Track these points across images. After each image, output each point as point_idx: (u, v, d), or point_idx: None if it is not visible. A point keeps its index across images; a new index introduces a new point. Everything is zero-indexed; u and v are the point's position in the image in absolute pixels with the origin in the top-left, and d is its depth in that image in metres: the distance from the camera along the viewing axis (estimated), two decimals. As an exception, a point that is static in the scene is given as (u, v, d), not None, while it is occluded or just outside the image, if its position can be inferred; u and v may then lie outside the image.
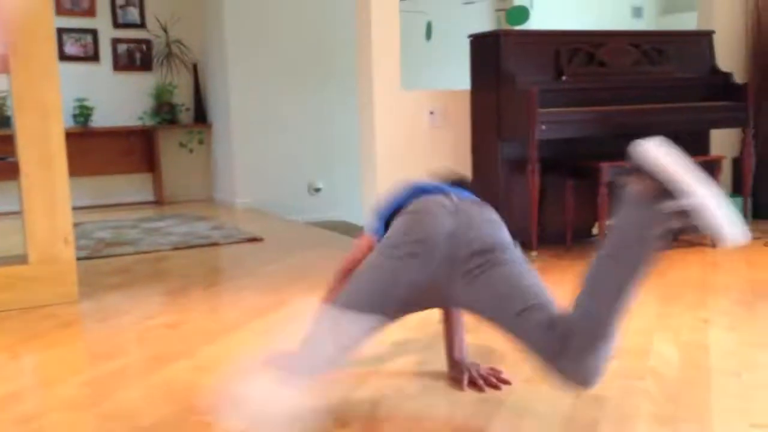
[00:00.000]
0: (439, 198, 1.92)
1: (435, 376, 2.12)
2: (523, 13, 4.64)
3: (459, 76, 4.70)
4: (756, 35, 4.79)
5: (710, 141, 4.44)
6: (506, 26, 4.94)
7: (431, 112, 4.18)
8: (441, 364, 2.18)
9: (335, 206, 6.57)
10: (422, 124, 4.17)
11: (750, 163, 4.14)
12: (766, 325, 2.54)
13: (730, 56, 4.72)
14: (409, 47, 4.49)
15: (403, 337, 2.50)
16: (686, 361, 2.21)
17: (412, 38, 5.06)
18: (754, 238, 4.11)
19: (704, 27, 4.77)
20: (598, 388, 1.98)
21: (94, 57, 6.58)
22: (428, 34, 5.17)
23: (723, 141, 4.68)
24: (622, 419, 1.81)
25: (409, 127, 4.15)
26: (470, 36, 4.17)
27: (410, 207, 1.92)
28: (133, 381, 2.18)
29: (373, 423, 1.82)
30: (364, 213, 4.29)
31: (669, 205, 1.54)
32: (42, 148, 3.04)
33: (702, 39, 4.39)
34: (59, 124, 3.08)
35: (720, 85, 4.24)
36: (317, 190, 6.65)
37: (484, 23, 6.99)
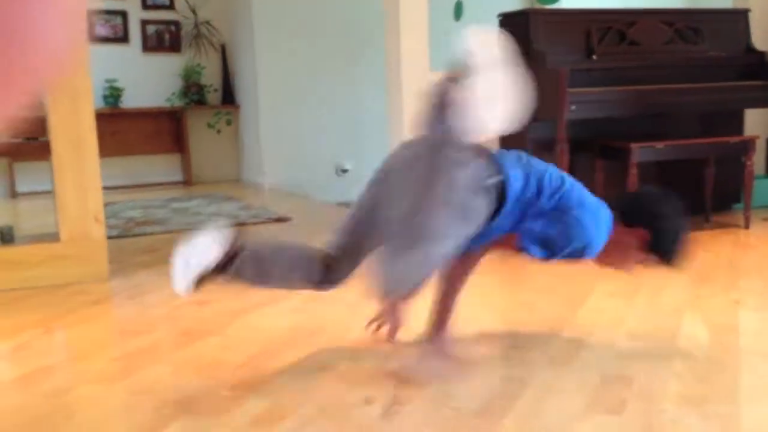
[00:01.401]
0: None
1: (461, 354, 2.12)
2: (553, -8, 4.57)
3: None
4: (793, 13, 4.68)
5: (744, 121, 4.36)
6: (537, 5, 4.87)
7: (459, 92, 4.15)
8: (466, 343, 2.18)
9: (363, 187, 6.56)
10: (450, 104, 4.14)
11: (785, 144, 4.06)
12: (799, 308, 2.50)
13: (766, 35, 4.62)
14: (439, 27, 4.45)
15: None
16: (716, 342, 2.19)
17: (442, 18, 5.01)
18: (788, 220, 4.04)
19: (740, 5, 4.66)
20: (626, 368, 1.96)
21: (123, 38, 6.64)
22: (457, 14, 5.12)
23: (757, 121, 4.59)
24: (650, 399, 1.79)
25: (436, 107, 4.12)
26: (499, 15, 4.12)
27: None
28: (162, 357, 2.21)
29: (398, 400, 1.83)
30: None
31: None
32: (73, 128, 3.07)
33: (737, 17, 4.29)
34: (89, 104, 3.11)
35: (755, 64, 4.15)
36: (345, 171, 6.65)
37: (515, 2, 6.90)
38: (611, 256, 1.99)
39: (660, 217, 1.98)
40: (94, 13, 6.24)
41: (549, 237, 1.88)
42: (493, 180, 1.88)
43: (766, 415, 1.69)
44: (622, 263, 2.03)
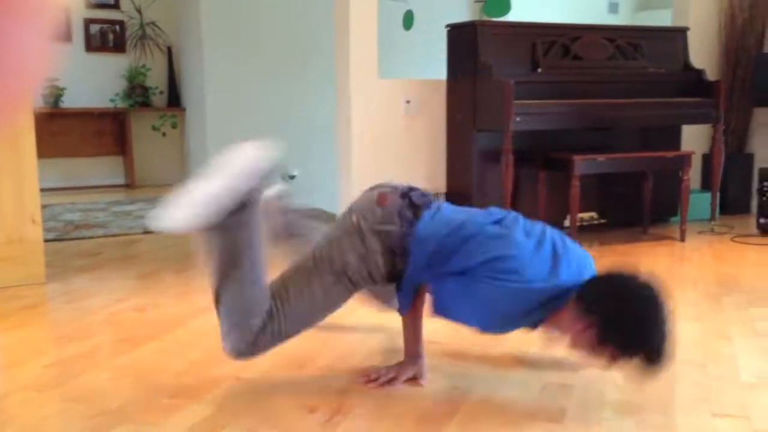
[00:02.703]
0: None
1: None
2: (503, 6, 4.64)
3: (440, 66, 4.70)
4: (729, 33, 4.85)
5: (681, 136, 4.50)
6: (485, 17, 4.94)
7: (407, 101, 4.18)
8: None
9: (310, 193, 6.54)
10: (398, 112, 4.17)
11: (719, 159, 4.19)
12: (730, 318, 2.59)
13: (703, 53, 4.78)
14: (390, 36, 4.48)
15: (372, 328, 2.50)
16: (652, 351, 2.24)
17: (394, 27, 5.05)
18: (722, 233, 4.18)
19: (679, 24, 4.82)
20: (566, 377, 2.00)
21: (65, 37, 6.47)
22: (407, 23, 5.15)
23: (694, 137, 4.74)
24: (588, 408, 1.83)
25: (385, 115, 4.14)
26: (447, 26, 4.17)
27: None
28: (101, 363, 2.15)
29: (342, 409, 1.82)
30: (340, 200, 4.28)
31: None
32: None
33: (676, 35, 4.43)
34: (28, 103, 3.02)
35: (692, 81, 4.28)
36: (292, 177, 6.62)
37: (463, 13, 6.99)
38: (557, 338, 1.83)
39: (616, 313, 1.70)
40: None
41: (444, 299, 1.83)
42: (387, 227, 1.86)
43: (700, 424, 1.74)
44: (574, 348, 1.79)
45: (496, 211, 1.93)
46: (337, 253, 1.88)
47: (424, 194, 1.98)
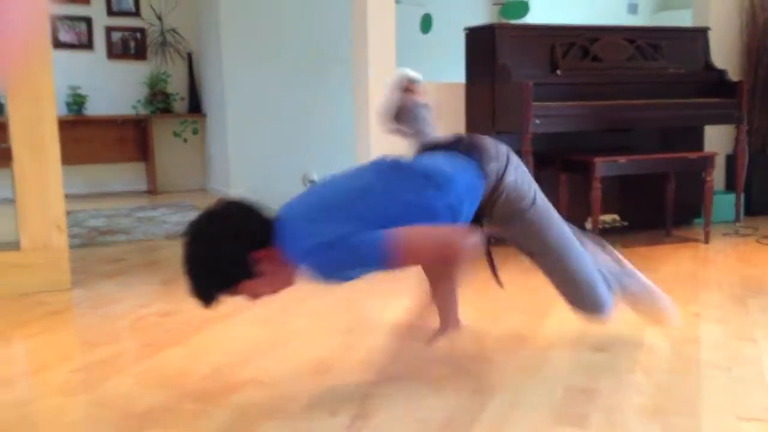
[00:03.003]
0: None
1: (425, 368, 2.13)
2: (521, 8, 4.63)
3: (459, 69, 4.70)
4: (751, 32, 4.81)
5: (704, 137, 4.46)
6: (503, 20, 4.94)
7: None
8: (431, 356, 2.19)
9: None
10: (417, 116, 4.16)
11: (743, 160, 4.15)
12: (755, 320, 2.56)
13: (724, 53, 4.73)
14: (408, 40, 4.48)
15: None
16: (677, 354, 2.23)
17: (411, 31, 5.05)
18: (747, 235, 4.14)
19: (699, 24, 4.78)
20: (590, 380, 1.99)
21: (88, 45, 6.56)
22: (425, 27, 5.16)
23: (717, 137, 4.70)
24: (613, 411, 1.82)
25: (403, 119, 4.14)
26: (466, 29, 4.17)
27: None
28: (126, 368, 2.18)
29: (363, 413, 1.83)
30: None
31: None
32: (35, 134, 3.03)
33: (697, 35, 4.39)
34: (52, 111, 3.07)
35: (714, 81, 4.25)
36: (312, 181, 6.64)
37: (481, 16, 6.98)
38: None
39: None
40: (56, 16, 6.17)
41: None
42: None
43: (725, 427, 1.72)
44: None
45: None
46: None
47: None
